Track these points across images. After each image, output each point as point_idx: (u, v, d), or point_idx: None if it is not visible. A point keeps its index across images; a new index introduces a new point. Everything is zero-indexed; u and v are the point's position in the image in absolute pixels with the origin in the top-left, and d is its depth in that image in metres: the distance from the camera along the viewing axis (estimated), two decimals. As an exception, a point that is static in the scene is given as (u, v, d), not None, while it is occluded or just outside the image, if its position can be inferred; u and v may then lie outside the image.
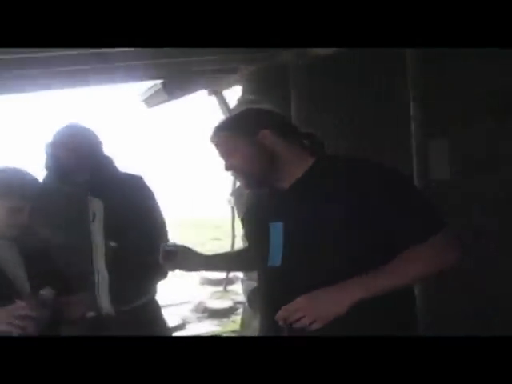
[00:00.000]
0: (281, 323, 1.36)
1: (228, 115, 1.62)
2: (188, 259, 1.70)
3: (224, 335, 4.60)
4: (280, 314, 1.36)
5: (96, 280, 2.02)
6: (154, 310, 2.24)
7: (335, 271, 1.37)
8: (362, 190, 1.36)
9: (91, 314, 1.96)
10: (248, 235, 1.67)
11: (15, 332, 1.50)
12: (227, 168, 1.52)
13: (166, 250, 1.68)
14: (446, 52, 2.05)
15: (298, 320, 1.33)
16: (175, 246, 1.69)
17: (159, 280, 2.21)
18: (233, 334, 4.55)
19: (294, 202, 1.46)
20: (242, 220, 1.74)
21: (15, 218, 1.69)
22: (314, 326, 1.32)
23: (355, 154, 1.93)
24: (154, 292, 2.24)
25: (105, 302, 2.01)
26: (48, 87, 3.16)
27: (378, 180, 1.39)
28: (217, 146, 1.53)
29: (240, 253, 1.84)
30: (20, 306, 1.53)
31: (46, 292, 1.62)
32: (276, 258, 1.46)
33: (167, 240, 2.17)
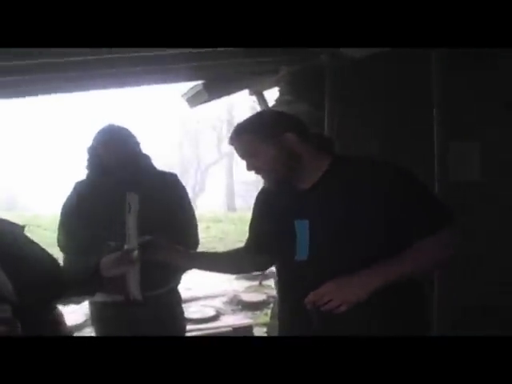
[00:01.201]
0: (309, 307, 1.46)
1: (246, 118, 1.67)
2: (166, 254, 1.78)
3: (255, 327, 4.72)
4: (309, 298, 1.46)
5: None
6: (174, 298, 2.41)
7: (356, 262, 1.48)
8: (377, 188, 1.48)
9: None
10: (268, 232, 1.71)
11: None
12: (249, 168, 1.59)
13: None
14: (473, 53, 2.07)
15: (326, 303, 1.43)
16: (144, 240, 1.77)
17: (183, 271, 2.37)
18: (263, 327, 4.67)
19: (318, 200, 1.56)
20: (257, 218, 1.77)
21: None
22: (341, 309, 1.42)
23: (385, 156, 2.02)
24: (177, 282, 2.42)
25: (135, 287, 2.11)
26: (95, 88, 3.29)
27: (391, 179, 1.50)
28: (238, 147, 1.59)
29: (228, 254, 1.87)
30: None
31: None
32: (303, 252, 1.57)
33: (196, 233, 2.39)
